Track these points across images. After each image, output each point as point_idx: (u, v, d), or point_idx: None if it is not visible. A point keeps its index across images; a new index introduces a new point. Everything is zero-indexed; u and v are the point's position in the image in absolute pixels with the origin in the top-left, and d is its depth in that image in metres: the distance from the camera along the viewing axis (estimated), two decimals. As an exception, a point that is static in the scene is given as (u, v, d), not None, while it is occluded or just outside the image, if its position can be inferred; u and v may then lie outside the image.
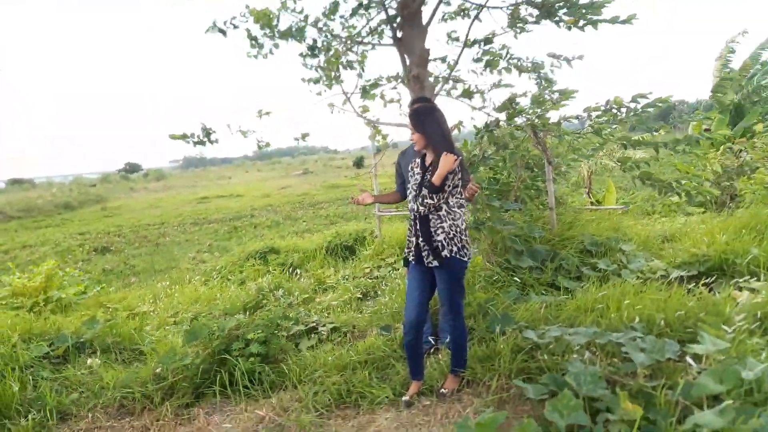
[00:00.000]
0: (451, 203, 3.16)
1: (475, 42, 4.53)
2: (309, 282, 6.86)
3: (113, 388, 3.63)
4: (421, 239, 3.21)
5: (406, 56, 4.27)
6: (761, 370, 2.44)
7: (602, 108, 4.43)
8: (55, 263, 7.67)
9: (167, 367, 3.68)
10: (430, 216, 3.17)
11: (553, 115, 4.64)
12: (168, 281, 8.45)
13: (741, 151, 8.60)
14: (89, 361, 3.95)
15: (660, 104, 4.33)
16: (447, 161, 3.03)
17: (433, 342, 3.94)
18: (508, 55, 4.62)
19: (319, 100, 4.73)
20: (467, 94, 4.53)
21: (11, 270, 7.28)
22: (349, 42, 4.55)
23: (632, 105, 4.46)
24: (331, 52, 4.52)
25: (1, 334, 4.14)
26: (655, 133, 4.91)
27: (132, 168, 62.30)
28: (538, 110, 4.75)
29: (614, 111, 4.35)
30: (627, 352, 2.85)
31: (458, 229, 3.19)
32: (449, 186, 3.09)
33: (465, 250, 3.21)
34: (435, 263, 3.18)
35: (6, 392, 3.41)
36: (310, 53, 4.51)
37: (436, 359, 3.73)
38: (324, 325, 5.15)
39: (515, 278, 5.10)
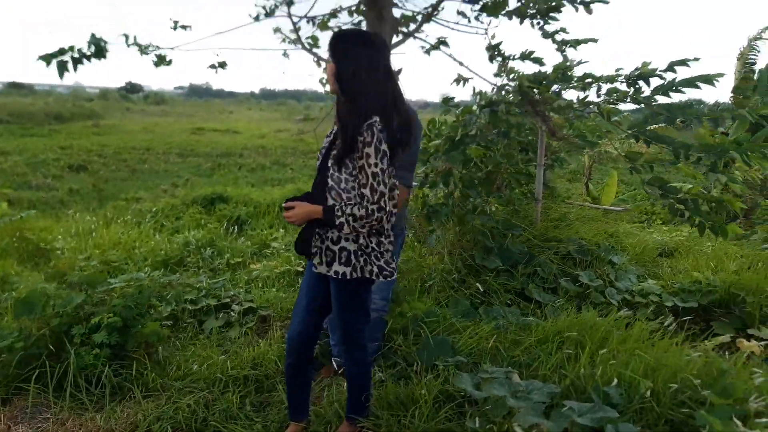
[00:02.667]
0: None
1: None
2: (248, 243, 5.89)
3: None
4: (314, 235, 2.18)
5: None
6: None
7: (620, 78, 3.27)
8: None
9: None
10: (332, 196, 2.10)
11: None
12: (100, 216, 7.48)
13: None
14: None
15: (700, 83, 3.15)
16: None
17: (341, 362, 2.98)
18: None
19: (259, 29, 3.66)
20: (440, 44, 3.43)
21: None
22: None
23: (668, 75, 3.22)
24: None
25: None
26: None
27: (133, 88, 60.27)
28: (559, 86, 3.65)
29: (636, 84, 3.21)
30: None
31: (369, 239, 2.14)
32: (378, 160, 1.98)
33: (376, 263, 2.16)
34: (333, 273, 2.17)
35: None
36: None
37: (339, 389, 2.78)
38: (239, 303, 4.22)
39: (477, 282, 4.14)
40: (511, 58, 3.76)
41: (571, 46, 3.57)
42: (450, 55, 3.64)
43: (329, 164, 2.09)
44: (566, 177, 9.09)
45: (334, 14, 3.56)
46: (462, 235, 4.61)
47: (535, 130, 5.24)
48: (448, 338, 2.96)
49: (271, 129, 34.71)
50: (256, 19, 3.75)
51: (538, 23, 3.57)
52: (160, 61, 3.40)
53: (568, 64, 3.60)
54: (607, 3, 3.61)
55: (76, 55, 3.10)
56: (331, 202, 2.08)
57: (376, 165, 1.98)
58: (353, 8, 3.52)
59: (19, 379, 2.66)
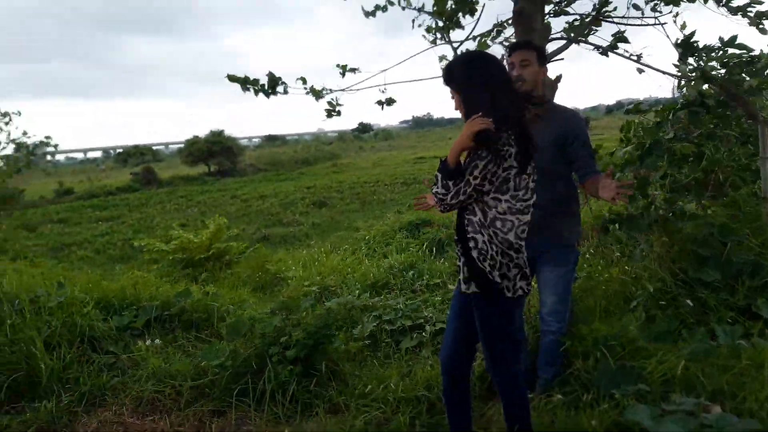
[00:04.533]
0: (495, 207, 2.07)
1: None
2: (446, 264, 6.02)
3: (150, 378, 3.33)
4: (457, 249, 2.22)
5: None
6: None
7: None
8: (224, 221, 7.99)
9: (208, 364, 3.26)
10: (465, 218, 2.14)
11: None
12: (325, 247, 8.33)
13: None
14: (147, 342, 3.73)
15: None
16: (469, 127, 1.98)
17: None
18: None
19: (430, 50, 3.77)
20: (618, 42, 3.10)
21: (178, 228, 7.75)
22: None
23: None
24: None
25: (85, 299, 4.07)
26: None
27: (364, 128, 66.05)
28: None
29: None
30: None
31: (500, 249, 2.08)
32: (478, 176, 2.01)
33: (507, 281, 2.10)
34: (465, 287, 2.16)
35: (36, 368, 3.27)
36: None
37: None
38: (432, 324, 4.34)
39: (690, 298, 3.62)
40: (711, 49, 3.26)
41: (768, 18, 2.98)
42: (630, 55, 3.28)
43: None
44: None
45: (490, 34, 3.53)
46: (671, 246, 4.09)
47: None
48: (635, 363, 2.65)
49: (489, 149, 35.01)
50: (433, 42, 3.84)
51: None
52: (331, 110, 3.75)
53: None
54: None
55: (257, 87, 3.62)
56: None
57: (475, 178, 2.01)
58: (507, 22, 3.45)
59: (230, 394, 3.09)
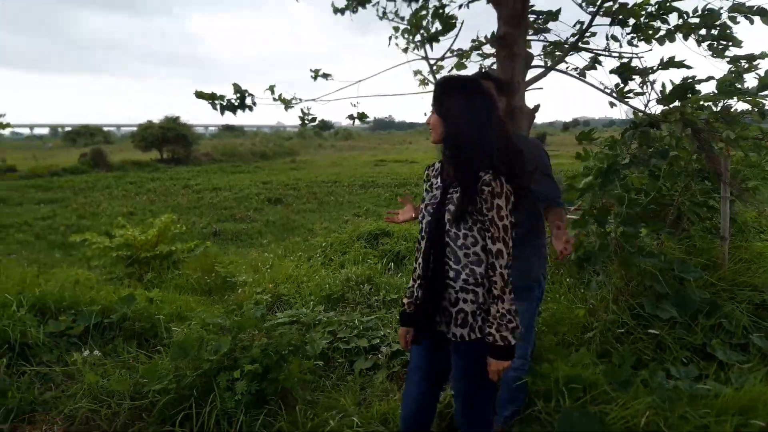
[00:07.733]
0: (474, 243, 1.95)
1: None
2: (404, 279, 5.91)
3: (86, 395, 3.08)
4: (430, 292, 2.07)
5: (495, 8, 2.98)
6: None
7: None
8: (170, 217, 7.64)
9: (149, 386, 3.04)
10: (448, 255, 1.96)
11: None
12: (280, 250, 8.11)
13: None
14: (85, 352, 3.45)
15: None
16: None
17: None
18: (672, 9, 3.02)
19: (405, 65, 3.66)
20: (594, 63, 3.09)
21: (124, 224, 7.36)
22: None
23: None
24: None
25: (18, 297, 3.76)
26: None
27: (325, 125, 65.64)
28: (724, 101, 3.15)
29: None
30: None
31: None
32: (508, 214, 1.90)
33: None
34: (451, 336, 2.01)
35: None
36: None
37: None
38: (388, 345, 4.23)
39: (647, 332, 3.64)
40: (651, 71, 3.26)
41: (747, 63, 3.00)
42: (604, 88, 3.26)
43: (446, 220, 1.96)
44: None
45: (467, 55, 3.45)
46: (629, 280, 4.10)
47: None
48: (597, 409, 2.60)
49: (447, 157, 35.29)
50: (404, 50, 3.74)
51: (706, 42, 3.05)
52: (304, 118, 3.59)
53: (733, 75, 3.05)
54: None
55: (224, 102, 3.42)
56: (452, 266, 1.96)
57: (507, 217, 1.89)
58: (486, 42, 3.37)
59: (171, 419, 2.88)
